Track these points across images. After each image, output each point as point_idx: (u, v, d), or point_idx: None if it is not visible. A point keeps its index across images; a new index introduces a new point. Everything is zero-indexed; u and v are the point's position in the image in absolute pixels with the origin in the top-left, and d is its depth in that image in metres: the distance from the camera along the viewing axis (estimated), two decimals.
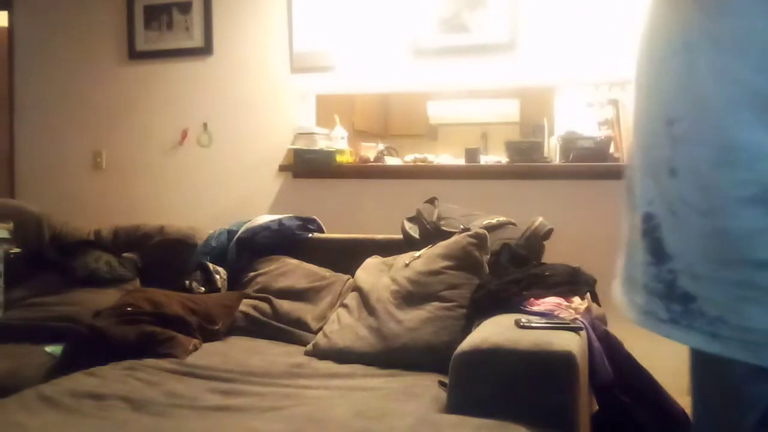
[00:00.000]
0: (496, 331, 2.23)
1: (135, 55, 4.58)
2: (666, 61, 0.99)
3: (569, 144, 3.61)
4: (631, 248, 1.08)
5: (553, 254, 3.09)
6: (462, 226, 3.16)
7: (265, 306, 3.26)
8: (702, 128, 0.92)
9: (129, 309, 2.96)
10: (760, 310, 0.88)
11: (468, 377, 2.10)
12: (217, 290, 3.45)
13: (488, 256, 3.00)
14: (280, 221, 3.69)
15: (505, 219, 3.25)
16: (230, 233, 3.72)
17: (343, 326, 2.95)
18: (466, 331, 2.49)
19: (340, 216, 3.98)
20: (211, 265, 3.55)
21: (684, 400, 2.63)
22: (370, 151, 4.17)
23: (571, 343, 2.09)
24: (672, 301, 0.96)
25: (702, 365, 1.05)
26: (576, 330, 2.27)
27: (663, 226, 0.98)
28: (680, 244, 0.96)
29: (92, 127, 4.70)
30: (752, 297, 0.88)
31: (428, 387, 2.40)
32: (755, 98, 0.87)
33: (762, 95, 0.87)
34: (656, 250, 0.99)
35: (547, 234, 3.11)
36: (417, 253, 3.09)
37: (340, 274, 3.41)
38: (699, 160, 0.92)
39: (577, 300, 2.57)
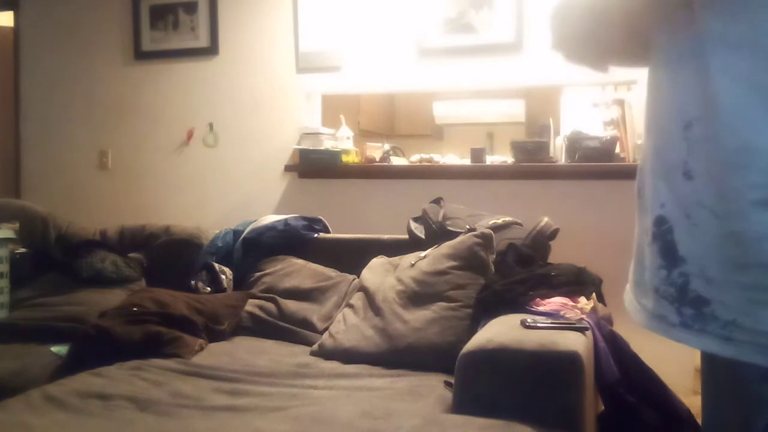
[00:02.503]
0: (501, 331, 2.23)
1: (141, 55, 4.59)
2: (681, 65, 0.99)
3: (575, 144, 3.61)
4: (640, 251, 1.07)
5: (559, 254, 3.09)
6: (468, 226, 3.16)
7: (270, 306, 3.26)
8: (718, 131, 0.92)
9: (135, 309, 2.97)
10: None
11: (473, 377, 2.09)
12: (223, 290, 3.45)
13: (494, 256, 2.99)
14: (285, 221, 3.69)
15: (510, 219, 3.25)
16: (236, 233, 3.73)
17: (349, 326, 2.94)
18: (472, 331, 2.49)
19: (345, 216, 3.98)
20: (216, 265, 3.55)
21: (689, 400, 2.62)
22: (375, 151, 4.17)
23: (577, 343, 2.09)
24: (684, 305, 0.96)
25: (713, 368, 1.05)
26: (582, 330, 2.26)
27: (676, 230, 0.98)
28: (694, 247, 0.95)
29: (98, 126, 4.71)
30: (766, 300, 0.88)
31: (434, 387, 2.40)
32: None
33: None
34: (668, 253, 0.99)
35: (553, 234, 3.11)
36: (423, 253, 3.09)
37: (346, 274, 3.41)
38: (715, 163, 0.92)
39: (583, 300, 2.57)
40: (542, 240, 3.09)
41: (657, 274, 1.01)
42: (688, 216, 0.96)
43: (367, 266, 3.26)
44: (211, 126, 4.44)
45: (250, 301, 3.31)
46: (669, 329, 0.98)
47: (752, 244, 0.89)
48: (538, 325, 2.25)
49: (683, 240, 0.97)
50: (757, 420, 0.94)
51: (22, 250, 3.58)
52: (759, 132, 0.87)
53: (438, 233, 3.22)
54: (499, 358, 2.07)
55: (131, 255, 3.75)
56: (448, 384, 2.35)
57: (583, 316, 2.43)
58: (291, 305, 3.25)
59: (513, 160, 3.83)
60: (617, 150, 3.58)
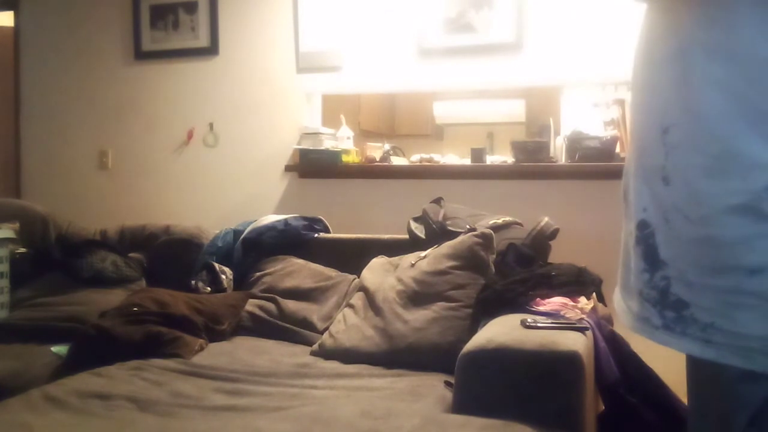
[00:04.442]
0: (501, 331, 2.23)
1: (141, 55, 4.58)
2: (662, 69, 1.00)
3: (575, 144, 3.61)
4: (626, 255, 1.10)
5: (560, 254, 3.09)
6: (468, 226, 3.16)
7: (271, 306, 3.27)
8: (695, 137, 0.93)
9: (135, 309, 2.97)
10: (752, 316, 0.90)
11: (474, 377, 2.09)
12: (223, 290, 3.45)
13: (494, 256, 3.00)
14: (286, 221, 3.69)
15: (511, 219, 3.25)
16: (236, 233, 3.73)
17: (349, 326, 2.95)
18: (472, 331, 2.49)
19: (346, 216, 3.98)
20: (217, 265, 3.55)
21: None
22: (376, 151, 4.17)
23: (577, 343, 2.09)
24: (665, 308, 0.98)
25: (696, 369, 1.07)
26: (582, 330, 2.26)
27: (657, 234, 1.00)
28: (673, 251, 0.98)
29: (98, 126, 4.71)
30: (743, 303, 0.90)
31: (434, 387, 2.40)
32: (748, 108, 0.88)
33: (754, 105, 0.88)
34: (650, 257, 1.01)
35: (553, 234, 3.11)
36: (423, 253, 3.09)
37: (346, 274, 3.41)
38: (691, 168, 0.94)
39: (583, 300, 2.57)
40: (542, 240, 3.09)
41: (640, 278, 1.03)
42: (667, 220, 0.98)
43: (367, 266, 3.26)
44: (211, 126, 4.44)
45: (251, 301, 3.31)
46: (653, 331, 1.01)
47: (728, 248, 0.90)
48: (539, 325, 2.25)
49: (664, 244, 0.99)
50: (738, 417, 0.96)
51: (22, 250, 3.58)
52: (739, 139, 0.89)
53: (438, 233, 3.23)
54: (499, 358, 2.07)
55: (131, 255, 3.75)
56: (448, 384, 2.35)
57: (584, 316, 2.42)
58: (291, 305, 3.25)
59: (513, 160, 3.83)
60: (617, 150, 3.58)
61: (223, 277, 3.51)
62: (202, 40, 4.42)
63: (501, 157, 4.04)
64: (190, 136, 4.48)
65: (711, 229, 0.91)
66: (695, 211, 0.93)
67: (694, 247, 0.94)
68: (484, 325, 2.43)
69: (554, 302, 2.50)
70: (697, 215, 0.93)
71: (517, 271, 2.82)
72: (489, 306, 2.62)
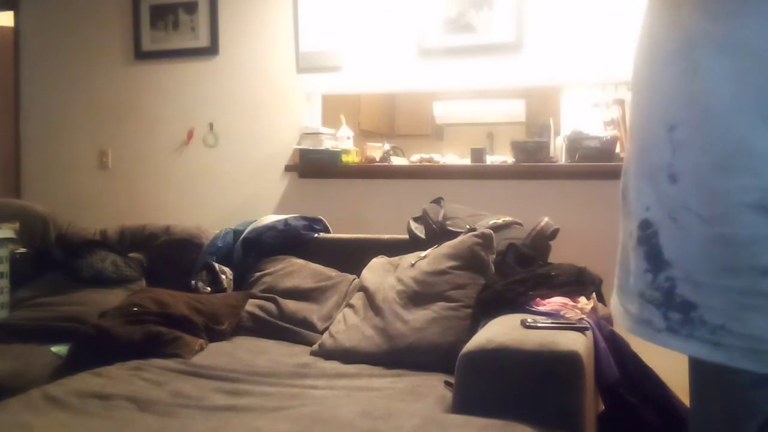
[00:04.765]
0: (501, 331, 2.22)
1: (141, 55, 4.59)
2: (666, 66, 0.97)
3: (575, 144, 3.61)
4: (625, 256, 1.06)
5: (559, 254, 3.09)
6: (468, 226, 3.16)
7: (271, 306, 3.26)
8: (706, 134, 0.90)
9: (135, 309, 2.96)
10: (765, 318, 0.87)
11: (474, 377, 2.09)
12: (223, 290, 3.45)
13: (494, 256, 2.99)
14: (286, 221, 3.69)
15: (511, 219, 3.25)
16: (236, 233, 3.72)
17: (349, 326, 2.94)
18: (472, 331, 2.49)
19: (346, 216, 3.98)
20: (217, 265, 3.55)
21: None
22: (375, 151, 4.17)
23: (577, 343, 2.09)
24: (670, 310, 0.95)
25: (702, 373, 1.03)
26: (582, 330, 2.26)
27: (661, 233, 0.96)
28: (680, 251, 0.94)
29: (98, 126, 4.71)
30: (757, 305, 0.87)
31: (434, 387, 2.39)
32: (760, 101, 0.85)
33: (767, 98, 0.85)
34: (654, 257, 0.97)
35: (553, 234, 3.11)
36: (423, 253, 3.09)
37: (346, 274, 3.41)
38: (702, 165, 0.91)
39: (583, 300, 2.57)
40: (542, 240, 3.09)
41: (642, 278, 0.99)
42: (674, 219, 0.94)
43: (367, 266, 3.26)
44: (211, 126, 4.45)
45: (250, 301, 3.31)
46: (654, 334, 0.97)
47: (742, 248, 0.87)
48: (539, 325, 2.24)
49: (669, 244, 0.96)
50: (748, 425, 0.93)
51: (22, 250, 3.57)
52: (752, 134, 0.86)
53: (438, 233, 3.22)
54: (499, 358, 2.07)
55: (131, 255, 3.75)
56: (448, 384, 2.35)
57: (584, 316, 2.42)
58: (291, 305, 3.25)
59: (513, 160, 3.83)
60: (617, 150, 3.58)
61: (223, 277, 3.51)
62: (202, 40, 4.42)
63: (501, 157, 4.04)
64: (190, 136, 4.48)
65: (725, 228, 0.88)
66: (708, 209, 0.90)
67: (707, 246, 0.91)
68: (484, 325, 2.42)
69: (554, 302, 2.50)
70: (710, 213, 0.90)
71: (517, 271, 2.82)
72: (489, 306, 2.61)
